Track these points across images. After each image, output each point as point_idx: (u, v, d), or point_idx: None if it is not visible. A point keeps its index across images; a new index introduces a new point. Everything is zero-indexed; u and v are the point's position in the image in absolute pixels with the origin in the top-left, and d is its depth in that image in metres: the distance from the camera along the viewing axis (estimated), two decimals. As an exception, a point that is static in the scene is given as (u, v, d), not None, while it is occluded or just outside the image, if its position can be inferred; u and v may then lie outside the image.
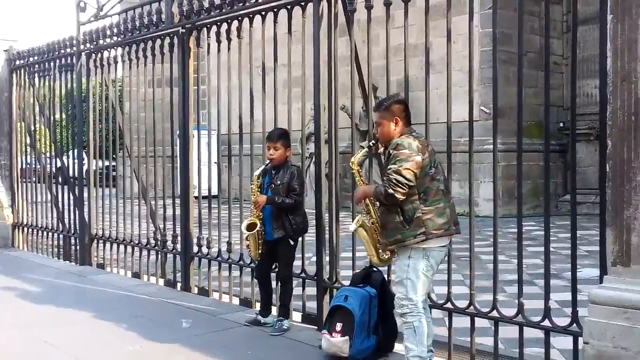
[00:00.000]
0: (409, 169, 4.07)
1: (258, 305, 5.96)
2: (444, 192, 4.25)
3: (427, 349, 4.25)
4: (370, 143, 4.73)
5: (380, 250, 4.48)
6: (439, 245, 4.23)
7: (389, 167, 4.14)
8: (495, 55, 4.66)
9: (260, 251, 5.53)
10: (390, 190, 4.06)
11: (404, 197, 4.09)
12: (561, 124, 14.64)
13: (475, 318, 4.65)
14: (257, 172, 5.53)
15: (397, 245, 4.24)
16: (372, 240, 4.46)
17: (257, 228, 5.42)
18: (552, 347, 4.40)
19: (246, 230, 5.45)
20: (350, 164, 4.57)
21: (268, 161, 5.53)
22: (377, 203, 4.39)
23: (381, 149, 4.57)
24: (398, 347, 4.92)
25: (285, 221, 5.45)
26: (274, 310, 5.74)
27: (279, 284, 5.67)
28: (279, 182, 5.45)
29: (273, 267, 5.74)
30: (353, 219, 4.54)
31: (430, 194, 4.17)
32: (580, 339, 3.95)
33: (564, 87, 14.67)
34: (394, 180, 4.05)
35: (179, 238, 7.34)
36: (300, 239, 5.79)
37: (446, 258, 4.46)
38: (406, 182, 4.05)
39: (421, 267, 4.19)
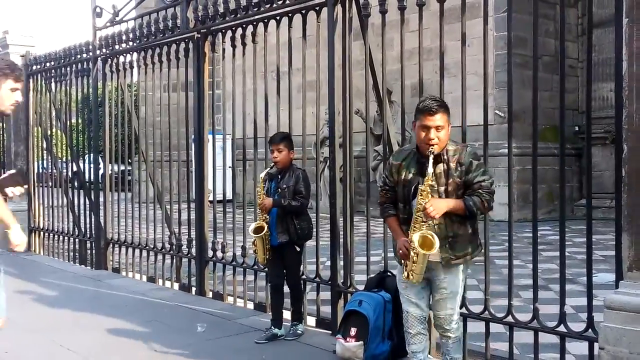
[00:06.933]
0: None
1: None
2: None
3: None
4: (434, 151, 3.84)
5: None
6: None
7: (479, 178, 3.84)
8: (510, 58, 4.65)
9: (267, 256, 5.46)
10: (492, 203, 3.90)
11: None
12: (577, 128, 14.56)
13: (490, 323, 4.64)
14: (262, 175, 5.48)
15: (463, 259, 3.94)
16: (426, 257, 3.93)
17: (265, 231, 5.36)
18: (567, 353, 4.37)
19: (253, 233, 5.39)
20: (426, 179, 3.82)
21: (272, 164, 5.51)
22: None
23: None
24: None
25: (290, 225, 5.38)
26: (286, 315, 5.72)
27: (290, 290, 5.65)
28: (285, 186, 5.39)
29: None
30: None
31: None
32: (596, 345, 3.92)
33: (579, 91, 14.60)
34: (492, 193, 3.88)
35: (193, 242, 7.37)
36: (314, 243, 5.78)
37: None
38: None
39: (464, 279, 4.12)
